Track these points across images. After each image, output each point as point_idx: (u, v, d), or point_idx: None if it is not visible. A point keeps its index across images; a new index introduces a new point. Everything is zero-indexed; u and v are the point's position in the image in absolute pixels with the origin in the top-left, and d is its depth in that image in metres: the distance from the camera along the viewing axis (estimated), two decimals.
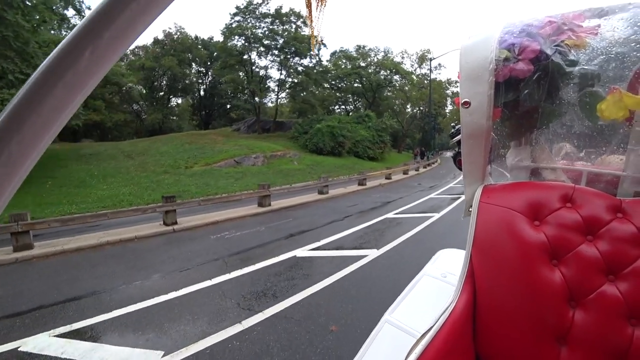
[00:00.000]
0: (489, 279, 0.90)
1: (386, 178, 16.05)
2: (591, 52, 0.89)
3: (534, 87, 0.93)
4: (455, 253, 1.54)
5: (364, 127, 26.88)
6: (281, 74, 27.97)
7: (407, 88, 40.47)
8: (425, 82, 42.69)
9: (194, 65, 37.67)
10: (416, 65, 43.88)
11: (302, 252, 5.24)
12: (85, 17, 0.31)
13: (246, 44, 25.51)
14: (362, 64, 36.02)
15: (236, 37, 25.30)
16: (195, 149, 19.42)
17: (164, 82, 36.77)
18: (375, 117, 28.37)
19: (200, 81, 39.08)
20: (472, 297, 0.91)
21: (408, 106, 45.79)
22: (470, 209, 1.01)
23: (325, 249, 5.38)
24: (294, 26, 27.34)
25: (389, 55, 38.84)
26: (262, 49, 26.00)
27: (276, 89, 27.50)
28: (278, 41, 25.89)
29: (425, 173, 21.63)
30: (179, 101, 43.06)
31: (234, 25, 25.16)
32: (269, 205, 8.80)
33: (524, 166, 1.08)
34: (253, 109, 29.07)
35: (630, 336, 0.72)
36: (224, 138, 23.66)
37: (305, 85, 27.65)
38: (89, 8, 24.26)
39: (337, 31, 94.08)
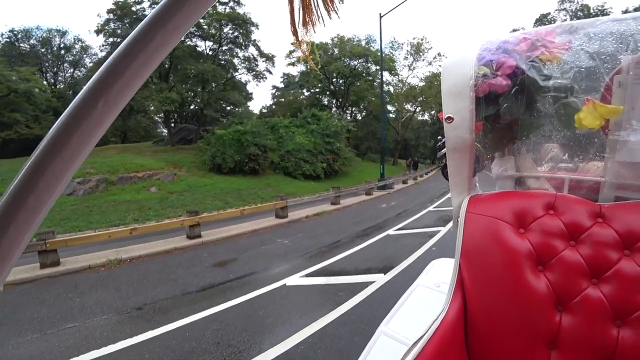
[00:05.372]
0: (478, 287, 0.92)
1: (188, 237, 7.21)
2: (564, 66, 0.94)
3: (512, 101, 0.97)
4: (448, 262, 1.51)
5: (305, 131, 19.51)
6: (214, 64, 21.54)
7: (393, 82, 32.40)
8: (436, 83, 34.11)
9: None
10: (411, 59, 35.50)
11: None
12: (97, 72, 0.32)
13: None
14: (336, 52, 28.78)
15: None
16: None
17: None
18: (326, 118, 20.74)
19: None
20: (462, 305, 0.92)
21: (410, 106, 37.19)
22: (457, 220, 1.03)
23: None
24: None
25: (371, 44, 31.09)
26: None
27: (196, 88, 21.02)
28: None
29: (353, 207, 11.73)
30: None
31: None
32: None
33: (509, 175, 1.11)
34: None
35: (616, 337, 0.75)
36: (116, 152, 18.19)
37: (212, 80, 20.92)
38: None
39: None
